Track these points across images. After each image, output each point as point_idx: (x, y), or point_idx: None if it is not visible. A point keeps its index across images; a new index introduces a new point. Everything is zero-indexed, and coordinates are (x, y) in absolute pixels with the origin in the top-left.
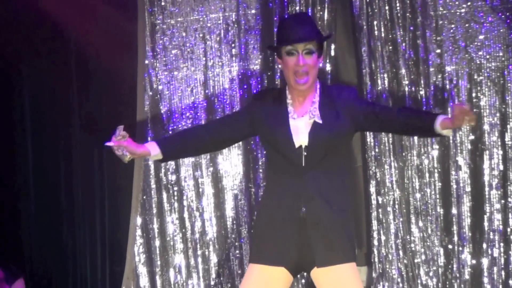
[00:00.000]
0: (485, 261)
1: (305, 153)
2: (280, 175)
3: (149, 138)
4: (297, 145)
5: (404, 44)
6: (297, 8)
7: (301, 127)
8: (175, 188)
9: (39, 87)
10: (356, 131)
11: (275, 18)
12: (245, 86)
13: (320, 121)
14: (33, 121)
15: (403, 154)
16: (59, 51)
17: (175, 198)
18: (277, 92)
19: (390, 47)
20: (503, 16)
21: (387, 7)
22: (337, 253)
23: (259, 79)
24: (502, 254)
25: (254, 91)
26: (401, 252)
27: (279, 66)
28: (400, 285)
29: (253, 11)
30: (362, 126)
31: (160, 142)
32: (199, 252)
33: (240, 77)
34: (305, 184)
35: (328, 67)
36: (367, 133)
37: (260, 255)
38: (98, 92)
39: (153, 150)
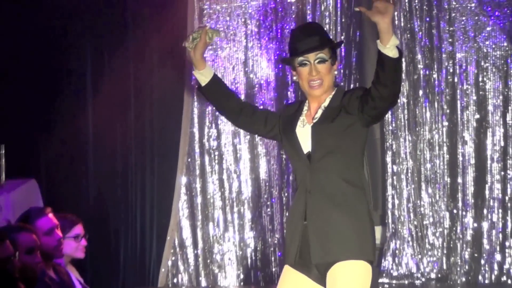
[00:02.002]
0: (485, 225)
1: (311, 157)
2: (298, 179)
3: (195, 110)
4: (305, 151)
5: (420, 33)
6: None
7: (308, 133)
8: (216, 153)
9: (99, 56)
10: (365, 125)
11: (308, 7)
12: (280, 66)
13: (318, 118)
14: (94, 89)
15: (417, 129)
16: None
17: (216, 161)
18: (298, 104)
19: (408, 35)
20: (508, 11)
21: (406, 0)
22: (335, 249)
23: None
24: (500, 219)
25: (288, 72)
26: (412, 215)
27: (294, 78)
28: (410, 243)
29: (288, 0)
30: (364, 113)
31: (216, 75)
32: (235, 209)
33: (275, 57)
34: (311, 184)
35: (353, 52)
36: None
37: (285, 256)
38: (152, 64)
39: (208, 71)
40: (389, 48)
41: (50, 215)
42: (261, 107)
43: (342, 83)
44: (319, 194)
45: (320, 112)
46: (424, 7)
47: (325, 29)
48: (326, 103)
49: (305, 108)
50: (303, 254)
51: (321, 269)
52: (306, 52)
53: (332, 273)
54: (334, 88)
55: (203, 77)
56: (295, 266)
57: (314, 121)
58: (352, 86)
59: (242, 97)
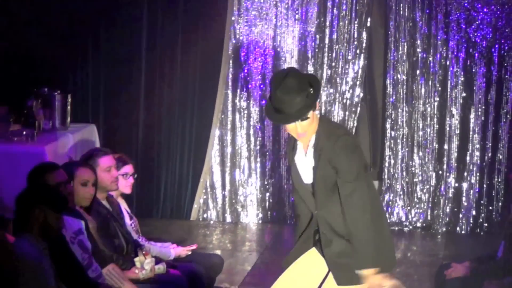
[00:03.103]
0: (464, 185)
1: (312, 190)
2: (301, 201)
3: (230, 75)
4: (305, 182)
5: (421, 22)
6: None
7: (306, 166)
8: (245, 112)
9: (154, 22)
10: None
11: None
12: (302, 43)
13: (312, 163)
14: (148, 50)
15: (413, 102)
16: None
17: (245, 118)
18: (293, 139)
19: (410, 23)
20: (494, 8)
21: None
22: (345, 274)
23: (313, 38)
24: (477, 181)
25: (309, 50)
26: (404, 173)
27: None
28: (401, 196)
29: None
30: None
31: None
32: (258, 159)
33: (299, 35)
34: (317, 218)
35: (364, 35)
36: (388, 83)
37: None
38: (197, 36)
39: None
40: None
41: (111, 156)
42: None
43: (353, 60)
44: (327, 226)
45: (310, 150)
46: (425, 0)
47: (300, 72)
48: (312, 142)
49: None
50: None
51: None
52: (292, 122)
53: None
54: (316, 120)
55: None
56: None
57: (309, 156)
58: (361, 63)
59: (269, 67)
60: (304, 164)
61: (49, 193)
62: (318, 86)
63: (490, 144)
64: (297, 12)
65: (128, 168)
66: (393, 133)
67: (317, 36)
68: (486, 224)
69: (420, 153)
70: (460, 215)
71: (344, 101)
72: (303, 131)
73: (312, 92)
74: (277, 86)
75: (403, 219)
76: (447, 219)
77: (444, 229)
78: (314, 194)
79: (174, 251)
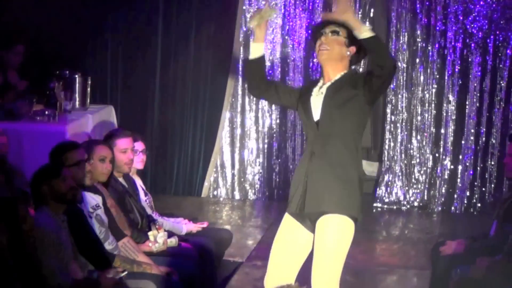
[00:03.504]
0: (459, 167)
1: (319, 125)
2: (308, 141)
3: (240, 61)
4: (315, 119)
5: (421, 13)
6: None
7: (318, 103)
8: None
9: (168, 11)
10: (368, 102)
11: None
12: (309, 31)
13: (324, 93)
14: (163, 34)
15: (412, 88)
16: None
17: (253, 102)
18: (313, 82)
19: (411, 14)
20: (490, 2)
21: None
22: (324, 201)
23: None
24: (471, 164)
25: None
26: (403, 155)
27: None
28: (400, 177)
29: None
30: (369, 84)
31: (264, 56)
32: (266, 140)
33: (306, 25)
34: (316, 147)
35: (367, 24)
36: None
37: (288, 205)
38: (210, 26)
39: (262, 48)
40: (365, 33)
41: (130, 139)
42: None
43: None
44: (321, 156)
45: (328, 84)
46: None
47: None
48: (337, 78)
49: (320, 82)
50: (301, 205)
51: (312, 218)
52: (325, 23)
53: (320, 222)
54: (346, 66)
55: (256, 50)
56: (293, 215)
57: (322, 92)
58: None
59: (278, 54)
60: (318, 100)
61: (50, 167)
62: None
63: (484, 129)
64: (304, 2)
65: (139, 145)
66: (393, 117)
67: None
68: (479, 205)
69: (418, 137)
70: (455, 196)
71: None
72: (326, 47)
73: (353, 34)
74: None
75: (401, 198)
76: (443, 199)
77: (440, 208)
78: (319, 129)
79: (185, 227)
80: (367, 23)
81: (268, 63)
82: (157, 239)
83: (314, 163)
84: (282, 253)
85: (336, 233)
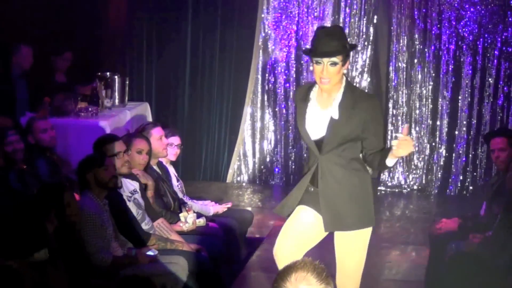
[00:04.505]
0: (453, 155)
1: (322, 143)
2: (309, 156)
3: (260, 63)
4: (312, 137)
5: (418, 19)
6: None
7: (320, 120)
8: (272, 93)
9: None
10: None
11: None
12: (302, 50)
13: (336, 117)
14: (193, 29)
15: (411, 85)
16: None
17: (272, 98)
18: (306, 89)
19: (410, 20)
20: (479, 8)
21: None
22: (343, 220)
23: None
24: (464, 152)
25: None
26: None
27: (311, 68)
28: (401, 164)
29: None
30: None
31: None
32: (283, 132)
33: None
34: (319, 165)
35: (371, 30)
36: (391, 69)
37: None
38: (233, 25)
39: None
40: (393, 162)
41: (160, 127)
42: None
43: (361, 51)
44: (327, 172)
45: (335, 106)
46: (422, 1)
47: (345, 32)
48: (339, 97)
49: (315, 92)
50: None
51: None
52: (322, 56)
53: (342, 238)
54: (343, 81)
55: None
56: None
57: (330, 114)
58: (368, 53)
59: (293, 56)
60: (318, 117)
61: (94, 158)
62: (354, 47)
63: (475, 121)
64: (315, 10)
65: (175, 139)
66: (394, 111)
67: None
68: (471, 188)
69: (417, 128)
70: (450, 180)
71: (354, 84)
72: (327, 78)
73: (348, 47)
74: (321, 28)
75: (402, 182)
76: (439, 183)
77: (436, 191)
78: (320, 143)
79: (213, 208)
80: (371, 28)
81: (283, 64)
82: (187, 220)
83: (325, 183)
84: (292, 226)
85: (358, 249)
